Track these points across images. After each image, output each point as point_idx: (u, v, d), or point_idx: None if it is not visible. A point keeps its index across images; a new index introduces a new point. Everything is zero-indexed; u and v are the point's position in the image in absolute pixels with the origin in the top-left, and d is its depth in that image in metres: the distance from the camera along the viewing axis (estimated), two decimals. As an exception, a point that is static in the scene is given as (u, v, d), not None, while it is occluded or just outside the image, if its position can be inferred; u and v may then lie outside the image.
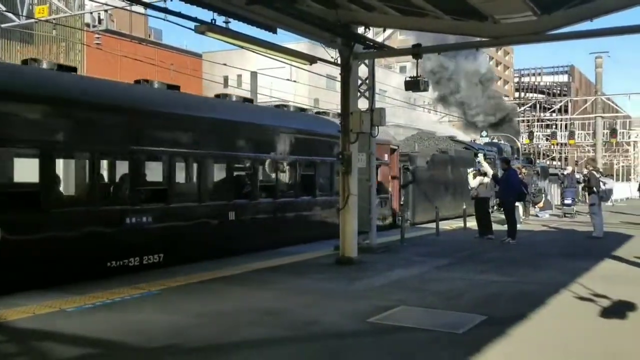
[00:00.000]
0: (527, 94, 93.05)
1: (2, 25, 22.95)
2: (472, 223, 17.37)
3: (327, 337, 6.48)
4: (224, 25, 10.10)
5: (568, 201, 23.89)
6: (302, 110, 17.18)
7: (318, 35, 11.77)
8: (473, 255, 12.82)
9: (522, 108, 54.96)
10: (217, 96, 14.59)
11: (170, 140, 11.45)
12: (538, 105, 64.42)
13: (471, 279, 9.88)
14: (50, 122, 9.51)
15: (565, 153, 69.57)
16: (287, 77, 26.77)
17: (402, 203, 19.79)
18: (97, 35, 24.52)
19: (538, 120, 60.39)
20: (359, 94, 12.84)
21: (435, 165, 22.61)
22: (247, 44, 10.70)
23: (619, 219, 22.28)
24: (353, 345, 6.24)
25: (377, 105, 13.02)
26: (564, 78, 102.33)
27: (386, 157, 18.09)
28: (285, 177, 14.56)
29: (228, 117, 13.07)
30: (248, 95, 26.69)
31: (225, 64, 30.21)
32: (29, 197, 9.14)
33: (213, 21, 9.76)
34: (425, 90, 12.90)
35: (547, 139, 54.48)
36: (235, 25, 10.37)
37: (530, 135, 48.13)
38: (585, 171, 17.79)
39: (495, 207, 20.14)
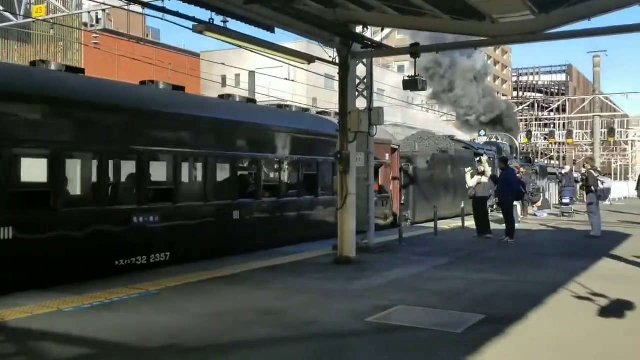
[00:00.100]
0: (525, 93, 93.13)
1: (0, 25, 22.91)
2: (470, 222, 17.38)
3: (326, 337, 6.48)
4: (222, 24, 10.09)
5: (566, 200, 23.90)
6: (305, 110, 17.29)
7: (316, 34, 11.76)
8: (471, 255, 12.82)
9: (520, 107, 54.94)
10: (221, 97, 14.69)
11: (177, 141, 11.59)
12: (536, 105, 64.48)
13: (469, 279, 9.88)
14: (61, 124, 9.67)
15: (563, 152, 69.67)
16: (285, 77, 26.76)
17: (402, 203, 19.87)
18: (95, 35, 24.48)
19: (536, 120, 60.45)
20: (357, 93, 12.85)
21: (436, 165, 22.71)
22: (245, 43, 10.69)
23: (617, 218, 22.30)
24: (352, 345, 6.23)
25: (375, 104, 13.03)
26: (562, 77, 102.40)
27: (387, 156, 18.18)
28: (288, 176, 14.62)
29: (233, 117, 13.21)
30: (246, 94, 26.70)
31: (223, 64, 30.17)
32: (40, 196, 9.28)
33: (211, 21, 9.75)
34: (424, 89, 12.92)
35: (545, 138, 54.53)
36: (234, 25, 10.37)
37: (529, 134, 48.17)
38: (583, 170, 17.79)
39: (495, 207, 20.18)
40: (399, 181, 19.67)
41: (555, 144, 56.48)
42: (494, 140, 36.17)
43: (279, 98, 27.86)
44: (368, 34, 13.37)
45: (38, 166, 9.90)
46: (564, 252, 13.19)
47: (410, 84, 12.33)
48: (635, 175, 63.40)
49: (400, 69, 58.57)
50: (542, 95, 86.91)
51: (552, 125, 59.75)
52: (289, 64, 15.24)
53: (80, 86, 10.42)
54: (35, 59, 13.50)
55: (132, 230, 10.42)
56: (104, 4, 20.75)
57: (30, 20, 22.92)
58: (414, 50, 12.05)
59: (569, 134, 49.99)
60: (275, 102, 21.28)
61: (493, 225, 16.53)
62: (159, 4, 14.66)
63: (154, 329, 6.61)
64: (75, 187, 10.33)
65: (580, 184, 20.25)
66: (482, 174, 16.26)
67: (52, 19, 22.28)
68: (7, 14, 22.30)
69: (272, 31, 10.92)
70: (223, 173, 12.83)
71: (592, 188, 16.03)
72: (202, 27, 9.60)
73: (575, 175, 25.79)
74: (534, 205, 24.33)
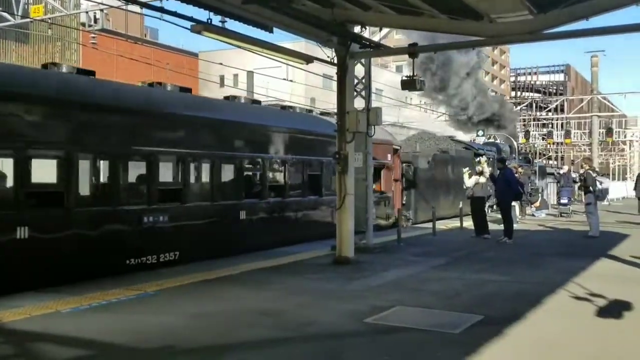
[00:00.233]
0: (524, 93, 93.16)
1: (-2, 25, 22.88)
2: (468, 223, 17.38)
3: (325, 338, 6.47)
4: (220, 24, 10.08)
5: (564, 200, 23.92)
6: (309, 111, 17.49)
7: (314, 34, 11.76)
8: (470, 255, 12.82)
9: (519, 107, 54.95)
10: (226, 98, 14.86)
11: (186, 142, 11.76)
12: (534, 105, 64.50)
13: (468, 279, 9.88)
14: (74, 125, 9.81)
15: (561, 152, 69.68)
16: (283, 77, 26.75)
17: (404, 203, 20.01)
18: (92, 35, 24.45)
19: (534, 120, 60.46)
20: (355, 93, 12.84)
21: (437, 165, 22.86)
22: (243, 43, 10.68)
23: (615, 218, 22.33)
24: (350, 346, 6.23)
25: (372, 104, 13.02)
26: (560, 77, 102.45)
27: (389, 157, 18.37)
28: (292, 177, 14.80)
29: (239, 119, 13.41)
30: (245, 94, 26.68)
31: (221, 64, 30.14)
32: (53, 197, 9.46)
33: (209, 21, 9.75)
34: (422, 89, 12.92)
35: (543, 138, 54.54)
36: (232, 25, 10.36)
37: (527, 134, 48.19)
38: (581, 170, 17.80)
39: (494, 207, 20.23)
40: (401, 181, 19.79)
41: (554, 144, 56.43)
42: (491, 140, 36.20)
43: (277, 98, 27.85)
44: (366, 34, 13.36)
45: (53, 167, 10.25)
46: (562, 252, 13.20)
47: (408, 84, 12.33)
48: (633, 176, 63.46)
49: (399, 68, 58.56)
50: (540, 95, 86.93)
51: (550, 126, 59.71)
52: (288, 64, 15.25)
53: (93, 89, 10.62)
54: (34, 59, 13.50)
55: (143, 229, 10.61)
56: (102, 3, 20.71)
57: (28, 20, 22.86)
58: (412, 51, 12.04)
59: (567, 134, 50.00)
60: (272, 102, 21.28)
61: (491, 226, 16.53)
62: (157, 4, 14.64)
63: (151, 330, 6.59)
64: (88, 188, 10.52)
65: (579, 184, 20.28)
66: (480, 174, 16.27)
67: (50, 19, 22.26)
68: (5, 14, 22.26)
69: (270, 31, 10.92)
70: (230, 174, 13.07)
71: (590, 188, 16.05)
72: (200, 27, 9.60)
73: (573, 175, 25.84)
74: (532, 206, 24.35)
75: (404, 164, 20.42)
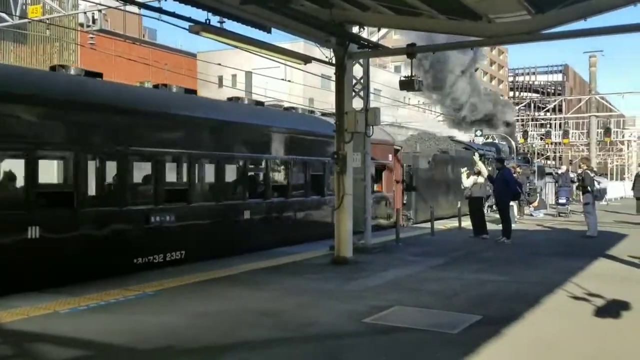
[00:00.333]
0: (522, 93, 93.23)
1: (-5, 25, 22.85)
2: (467, 222, 17.40)
3: (323, 338, 6.47)
4: (218, 25, 10.07)
5: (562, 200, 23.95)
6: (311, 112, 17.69)
7: (312, 34, 11.76)
8: (468, 255, 12.83)
9: (517, 107, 55.00)
10: (230, 99, 15.04)
11: (192, 143, 11.87)
12: (532, 105, 64.52)
13: (466, 279, 9.89)
14: (83, 127, 9.92)
15: (559, 152, 69.73)
16: (282, 77, 26.73)
17: (405, 202, 20.17)
18: (91, 35, 24.43)
19: (532, 120, 60.49)
20: (353, 93, 12.84)
21: (437, 165, 23.00)
22: (241, 43, 10.67)
23: (613, 218, 22.36)
24: (349, 346, 6.23)
25: (370, 104, 13.03)
26: (558, 77, 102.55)
27: (390, 157, 18.56)
28: (296, 177, 14.96)
29: (244, 120, 13.56)
30: (243, 95, 26.64)
31: (219, 64, 30.13)
32: (63, 197, 9.60)
33: (207, 21, 9.73)
34: (420, 89, 12.93)
35: (541, 138, 54.58)
36: (230, 25, 10.36)
37: (525, 134, 48.22)
38: (579, 170, 17.83)
39: (493, 207, 20.28)
40: (402, 181, 19.93)
41: (552, 144, 56.53)
42: (489, 140, 36.24)
43: (275, 98, 27.84)
44: (364, 34, 13.36)
45: (62, 168, 10.68)
46: (561, 252, 13.21)
47: (407, 85, 12.34)
48: (631, 175, 63.59)
49: (397, 69, 58.55)
50: (538, 95, 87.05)
51: (548, 125, 59.74)
52: (286, 64, 15.25)
53: (102, 91, 10.76)
54: (32, 59, 13.58)
55: (150, 229, 10.73)
56: (100, 4, 20.70)
57: (26, 20, 22.84)
58: (411, 51, 12.05)
59: (565, 134, 50.04)
60: (270, 102, 21.28)
61: (489, 226, 16.55)
62: (155, 4, 14.68)
63: (150, 330, 6.59)
64: (97, 188, 10.61)
65: (577, 184, 20.31)
66: (479, 174, 16.28)
67: (48, 19, 22.22)
68: (3, 15, 22.22)
69: (269, 31, 10.93)
70: (234, 174, 13.25)
71: (589, 188, 16.07)
72: (198, 27, 9.59)
73: (572, 175, 25.88)
74: (531, 205, 24.39)
75: (404, 165, 20.56)
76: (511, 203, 17.03)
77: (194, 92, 13.21)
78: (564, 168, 28.72)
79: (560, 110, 65.91)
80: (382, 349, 5.97)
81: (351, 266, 11.25)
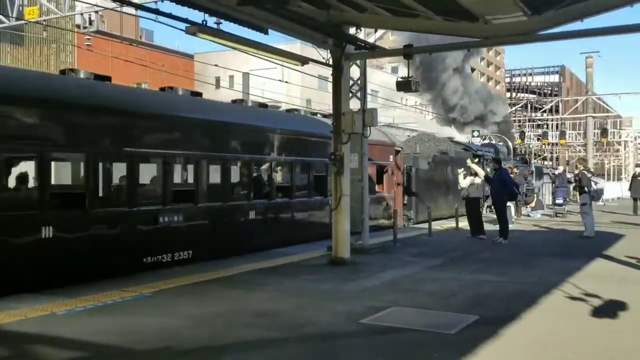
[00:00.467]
0: (519, 94, 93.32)
1: (-8, 27, 22.81)
2: (464, 223, 17.42)
3: (321, 339, 6.48)
4: (215, 26, 10.09)
5: (559, 201, 23.97)
6: (313, 114, 17.93)
7: (309, 35, 11.77)
8: (465, 256, 12.85)
9: (514, 108, 55.08)
10: (234, 101, 15.25)
11: (199, 144, 12.07)
12: (529, 106, 64.61)
13: (463, 279, 9.90)
14: (94, 130, 10.10)
15: (556, 153, 69.82)
16: (279, 78, 26.75)
17: (405, 203, 20.32)
18: (87, 37, 24.40)
19: (529, 121, 60.57)
20: (350, 94, 12.85)
21: (437, 166, 23.16)
22: (238, 44, 10.68)
23: (610, 218, 22.39)
24: (346, 347, 6.24)
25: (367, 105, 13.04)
26: (555, 78, 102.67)
27: (391, 158, 18.85)
28: (299, 178, 15.15)
29: (249, 122, 13.78)
30: (240, 96, 26.68)
31: (216, 65, 30.13)
32: (76, 198, 9.78)
33: (204, 22, 9.74)
34: (417, 90, 12.95)
35: (538, 139, 54.63)
36: (227, 26, 10.37)
37: (522, 135, 48.27)
38: (576, 171, 17.85)
39: (489, 208, 20.33)
40: (402, 182, 20.07)
41: (549, 144, 56.61)
42: (487, 141, 36.29)
43: (273, 99, 27.86)
44: (361, 35, 13.37)
45: (74, 169, 10.94)
46: (558, 252, 13.23)
47: (404, 85, 12.36)
48: (628, 176, 63.70)
49: (394, 70, 58.59)
50: (535, 96, 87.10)
51: (545, 126, 59.82)
52: (283, 65, 15.28)
53: (112, 94, 10.96)
54: (28, 61, 13.67)
55: (159, 229, 10.92)
56: (97, 5, 20.68)
57: (22, 22, 22.81)
58: (407, 52, 12.07)
59: (562, 135, 50.11)
60: (270, 103, 21.31)
61: (486, 226, 16.56)
62: (152, 5, 14.66)
63: (148, 331, 6.59)
64: (107, 189, 10.76)
65: (574, 184, 20.31)
66: (475, 174, 16.30)
67: (44, 21, 22.17)
68: (0, 16, 22.20)
69: (266, 33, 10.93)
70: (240, 175, 13.51)
71: (585, 189, 16.09)
72: (195, 28, 9.60)
73: (569, 175, 25.90)
74: (528, 206, 24.42)
75: (405, 165, 20.75)
76: (508, 203, 17.06)
77: (200, 94, 13.40)
78: (561, 169, 28.71)
79: (557, 111, 66.00)
80: (379, 350, 5.97)
81: (349, 267, 11.25)
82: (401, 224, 19.42)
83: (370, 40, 13.53)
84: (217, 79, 39.83)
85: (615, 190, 41.84)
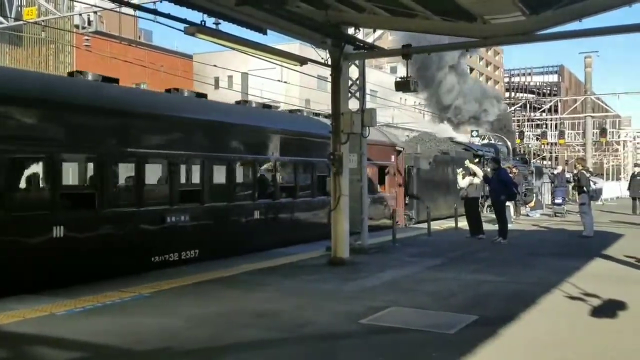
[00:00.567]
0: (517, 94, 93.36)
1: (-9, 28, 22.81)
2: (463, 223, 17.42)
3: (320, 339, 6.47)
4: (213, 26, 10.08)
5: (558, 200, 23.98)
6: (316, 115, 18.00)
7: (308, 36, 11.77)
8: (464, 256, 12.85)
9: (513, 108, 55.11)
10: (238, 102, 15.39)
11: (205, 145, 12.18)
12: (528, 105, 64.65)
13: (463, 279, 9.90)
14: (104, 131, 10.22)
15: (555, 152, 69.88)
16: (277, 78, 26.76)
17: (407, 203, 20.43)
18: (86, 37, 24.39)
19: (528, 120, 60.63)
20: (349, 94, 12.85)
21: (438, 166, 23.26)
22: (237, 45, 10.68)
23: (609, 218, 22.40)
24: (346, 347, 6.24)
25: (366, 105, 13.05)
26: (553, 78, 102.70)
27: (392, 158, 18.93)
28: (303, 178, 15.26)
29: (254, 123, 13.91)
30: (239, 96, 26.67)
31: (215, 65, 30.13)
32: (86, 198, 9.92)
33: (203, 22, 9.73)
34: (415, 90, 12.95)
35: (537, 139, 54.69)
36: (226, 27, 10.38)
37: (521, 135, 48.31)
38: (575, 170, 17.85)
39: (490, 207, 20.37)
40: (404, 182, 20.14)
41: (548, 144, 56.67)
42: (486, 141, 36.31)
43: (271, 99, 27.85)
44: (360, 35, 13.37)
45: (83, 170, 11.12)
46: (557, 252, 13.23)
47: (402, 85, 12.36)
48: (627, 176, 63.74)
49: (393, 69, 58.60)
50: (534, 96, 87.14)
51: (544, 126, 59.90)
52: (282, 66, 15.30)
53: (120, 96, 11.05)
54: (27, 61, 13.73)
55: (166, 228, 11.05)
56: (96, 5, 20.68)
57: (21, 22, 22.82)
58: (406, 52, 12.07)
59: (561, 135, 50.17)
60: (267, 104, 21.33)
61: (486, 226, 16.57)
62: (151, 6, 14.66)
63: (147, 331, 6.58)
64: (116, 190, 10.84)
65: (573, 184, 20.30)
66: (474, 174, 16.31)
67: (43, 21, 22.17)
68: (-2, 17, 22.20)
69: (264, 33, 10.92)
70: (244, 175, 13.65)
71: (584, 188, 16.09)
72: (193, 29, 9.59)
73: (567, 175, 25.90)
74: (527, 206, 24.43)
75: (406, 165, 20.86)
76: (507, 203, 17.06)
77: (205, 96, 13.49)
78: (560, 168, 28.75)
79: (556, 111, 66.05)
80: (378, 350, 5.97)
81: (348, 267, 11.25)
82: (403, 223, 19.53)
83: (369, 40, 13.53)
84: (216, 79, 39.82)
85: (614, 190, 41.85)
